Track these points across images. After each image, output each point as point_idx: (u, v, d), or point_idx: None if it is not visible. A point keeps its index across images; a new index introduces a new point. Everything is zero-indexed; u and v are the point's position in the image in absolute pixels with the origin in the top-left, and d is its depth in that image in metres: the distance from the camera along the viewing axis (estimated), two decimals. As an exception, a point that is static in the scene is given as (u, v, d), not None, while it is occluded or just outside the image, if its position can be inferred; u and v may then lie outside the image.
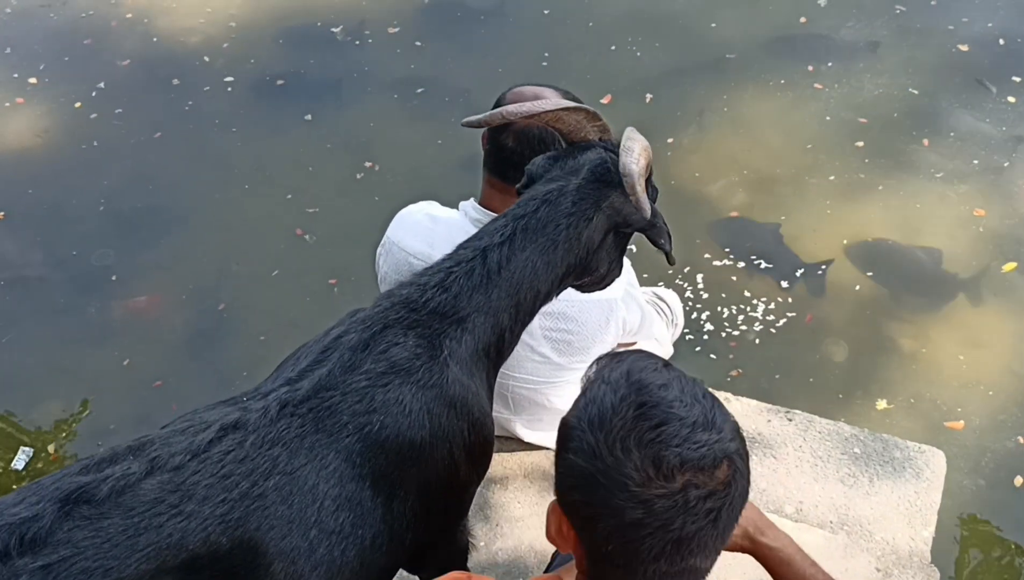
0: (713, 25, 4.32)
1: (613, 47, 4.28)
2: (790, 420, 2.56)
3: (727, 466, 1.06)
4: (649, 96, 4.05)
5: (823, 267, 3.43)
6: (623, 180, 1.40)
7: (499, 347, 1.47)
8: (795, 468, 2.43)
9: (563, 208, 1.42)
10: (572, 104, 1.55)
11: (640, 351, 1.14)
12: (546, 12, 4.51)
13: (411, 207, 2.09)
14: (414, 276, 1.49)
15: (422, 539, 1.39)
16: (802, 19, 4.25)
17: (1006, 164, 3.71)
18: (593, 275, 1.53)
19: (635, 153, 1.39)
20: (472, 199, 1.98)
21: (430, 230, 1.98)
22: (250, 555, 1.16)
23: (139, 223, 3.90)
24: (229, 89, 4.38)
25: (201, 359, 3.48)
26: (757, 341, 3.28)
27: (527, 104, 1.53)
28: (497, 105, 1.80)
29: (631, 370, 1.09)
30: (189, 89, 4.39)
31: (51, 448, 3.27)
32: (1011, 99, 3.90)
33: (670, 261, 1.59)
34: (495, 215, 1.79)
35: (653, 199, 1.57)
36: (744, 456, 1.09)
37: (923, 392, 3.12)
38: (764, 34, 4.24)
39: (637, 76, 4.12)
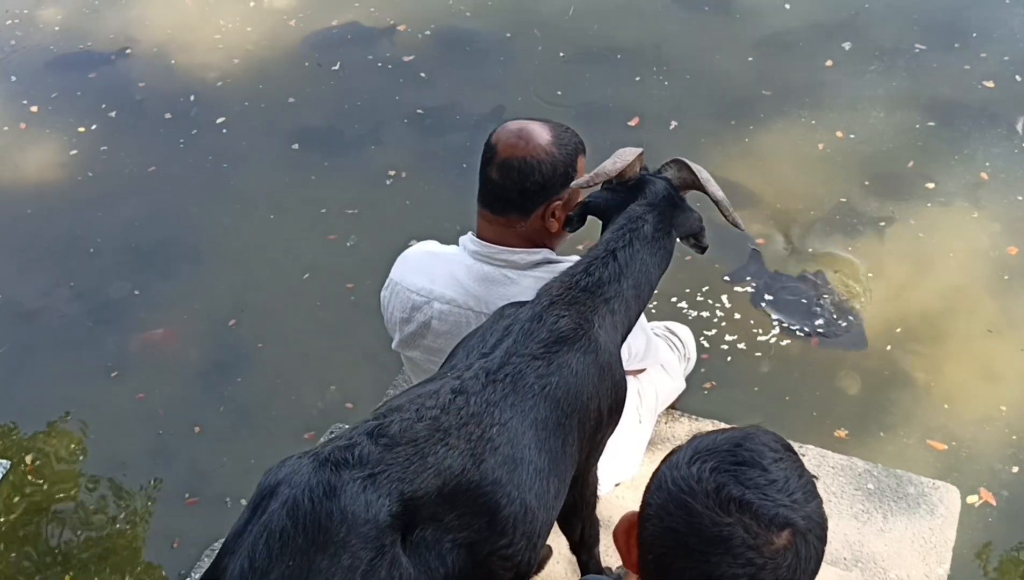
0: (750, 59, 4.38)
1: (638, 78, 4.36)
2: (803, 455, 2.55)
3: (787, 537, 1.06)
4: (674, 123, 4.12)
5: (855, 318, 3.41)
6: (719, 205, 1.80)
7: (628, 325, 1.77)
8: (808, 504, 2.43)
9: (656, 225, 1.80)
10: (640, 150, 1.84)
11: (775, 433, 1.17)
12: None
13: (411, 248, 2.15)
14: (562, 272, 1.76)
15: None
16: (828, 62, 4.29)
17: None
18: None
19: (714, 183, 1.81)
20: (470, 233, 2.04)
21: (430, 266, 2.04)
22: (491, 485, 1.48)
23: (156, 256, 3.96)
24: (244, 122, 4.44)
25: (216, 392, 3.50)
26: (766, 369, 3.29)
27: (617, 161, 1.82)
28: (489, 140, 1.94)
29: (754, 430, 1.15)
30: (204, 122, 4.46)
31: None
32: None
33: (703, 252, 1.94)
34: (493, 245, 1.95)
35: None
36: (811, 546, 1.08)
37: (938, 425, 3.10)
38: (791, 78, 4.28)
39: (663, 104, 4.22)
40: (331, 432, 2.78)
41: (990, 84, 4.11)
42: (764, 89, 4.21)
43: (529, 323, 1.64)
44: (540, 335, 1.62)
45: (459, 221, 2.03)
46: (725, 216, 1.84)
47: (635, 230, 1.77)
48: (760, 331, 3.38)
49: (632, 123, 4.15)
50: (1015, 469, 2.95)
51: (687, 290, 3.47)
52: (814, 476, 1.14)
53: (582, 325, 1.66)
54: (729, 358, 3.30)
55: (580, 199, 1.94)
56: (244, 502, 3.02)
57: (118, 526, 3.21)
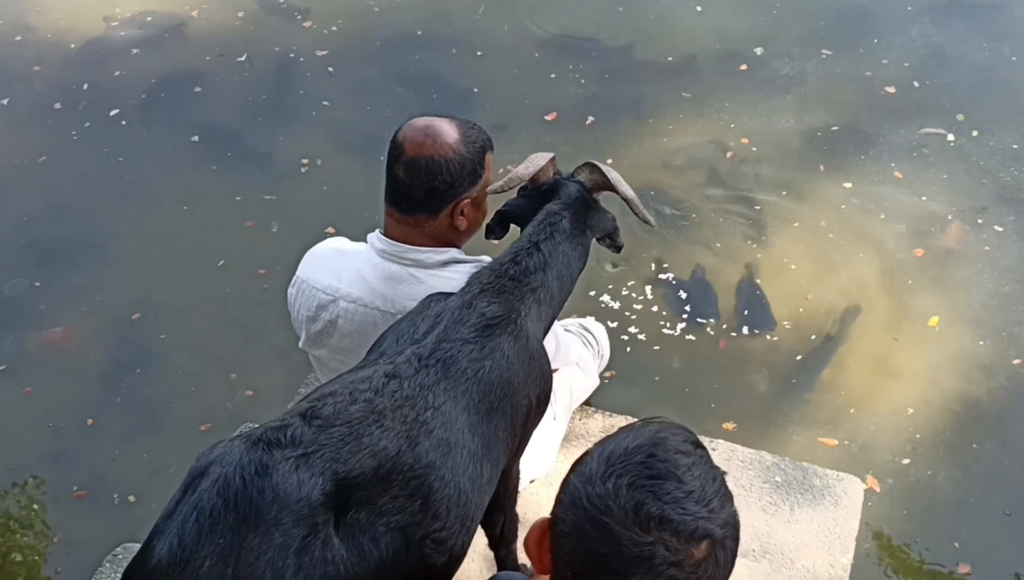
0: (670, 59, 4.44)
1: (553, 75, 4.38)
2: (713, 450, 2.60)
3: (706, 547, 1.06)
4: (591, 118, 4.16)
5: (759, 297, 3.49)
6: (629, 204, 1.88)
7: (551, 317, 1.81)
8: (718, 497, 2.47)
9: (572, 222, 1.85)
10: (552, 155, 1.89)
11: (682, 426, 1.16)
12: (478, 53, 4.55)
13: (319, 244, 2.12)
14: (492, 261, 1.80)
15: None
16: (743, 66, 4.38)
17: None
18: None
19: (624, 184, 1.88)
20: (377, 230, 2.02)
21: (337, 264, 2.02)
22: (425, 468, 1.48)
23: (55, 252, 3.82)
24: (142, 114, 4.34)
25: (119, 392, 3.39)
26: (676, 364, 3.33)
27: (530, 165, 1.88)
28: (395, 137, 1.93)
29: (661, 430, 1.13)
30: (105, 113, 4.34)
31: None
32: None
33: (620, 251, 2.02)
34: (400, 244, 1.94)
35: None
36: (728, 552, 1.09)
37: (839, 420, 3.18)
38: (702, 76, 4.36)
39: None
40: (238, 432, 2.71)
41: (891, 89, 4.25)
42: (684, 92, 4.27)
43: (459, 310, 1.67)
44: (471, 321, 1.65)
45: (380, 208, 2.00)
46: (636, 213, 1.91)
47: (554, 224, 1.82)
48: (665, 324, 3.43)
49: (549, 118, 4.17)
50: (906, 461, 3.04)
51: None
52: (723, 472, 1.14)
53: (511, 313, 1.69)
54: (629, 349, 3.33)
55: (488, 195, 1.96)
56: (133, 499, 3.01)
57: (13, 531, 3.09)
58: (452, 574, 1.62)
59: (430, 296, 1.76)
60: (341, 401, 1.46)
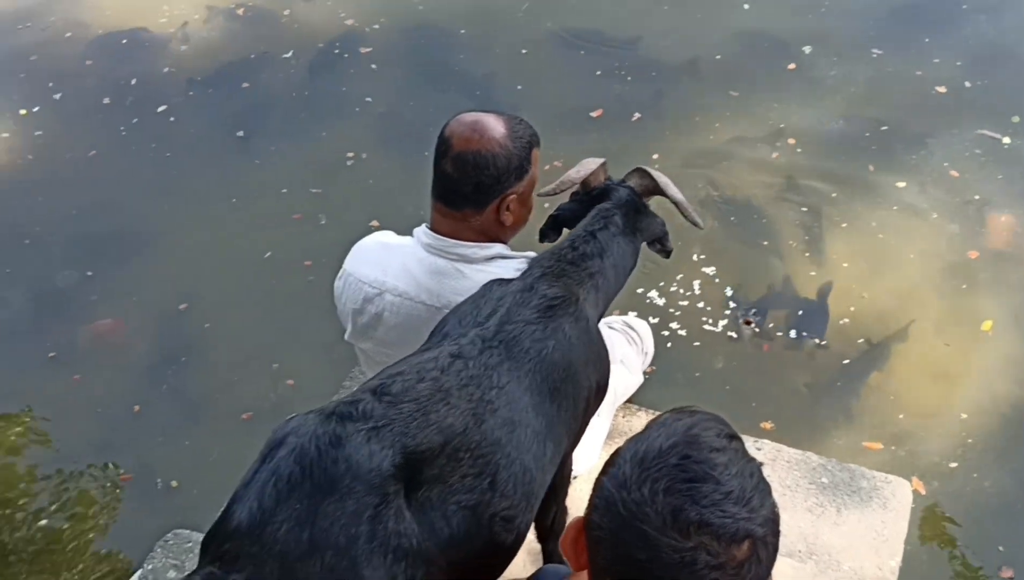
0: (718, 57, 4.41)
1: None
2: (759, 449, 2.57)
3: (748, 547, 1.04)
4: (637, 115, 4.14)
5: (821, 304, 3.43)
6: (678, 206, 1.90)
7: (605, 305, 1.82)
8: (763, 497, 2.44)
9: (624, 221, 1.88)
10: (602, 161, 1.92)
11: (716, 416, 1.14)
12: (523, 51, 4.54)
13: (366, 238, 2.12)
14: (549, 249, 1.82)
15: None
16: (791, 65, 4.33)
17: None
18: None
19: (673, 187, 1.90)
20: (424, 225, 2.02)
21: (383, 257, 2.02)
22: (492, 446, 1.51)
23: (104, 244, 3.88)
24: (190, 110, 4.39)
25: (165, 381, 3.43)
26: (718, 362, 3.30)
27: (581, 169, 1.91)
28: (442, 132, 1.93)
29: (694, 425, 1.09)
30: (153, 109, 4.40)
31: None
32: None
33: (669, 256, 2.01)
34: (447, 239, 1.94)
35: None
36: (769, 548, 1.06)
37: (886, 425, 3.13)
38: (751, 75, 4.32)
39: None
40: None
41: (942, 89, 4.17)
42: (732, 90, 4.23)
43: (521, 293, 1.69)
44: (533, 302, 1.67)
45: (424, 202, 2.00)
46: (684, 216, 1.93)
47: (608, 218, 1.85)
48: (707, 321, 3.39)
49: (595, 114, 4.15)
50: (953, 464, 2.98)
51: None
52: (760, 463, 1.11)
53: (571, 295, 1.71)
54: (669, 345, 3.30)
55: (535, 194, 1.97)
56: (175, 485, 3.03)
57: (64, 515, 3.14)
58: (515, 553, 1.64)
59: (492, 280, 1.77)
60: (409, 379, 1.49)
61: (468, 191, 1.91)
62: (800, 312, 3.41)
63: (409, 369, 1.53)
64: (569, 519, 1.93)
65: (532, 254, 1.95)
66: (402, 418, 1.43)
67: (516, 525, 1.57)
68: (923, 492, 2.88)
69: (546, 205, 2.05)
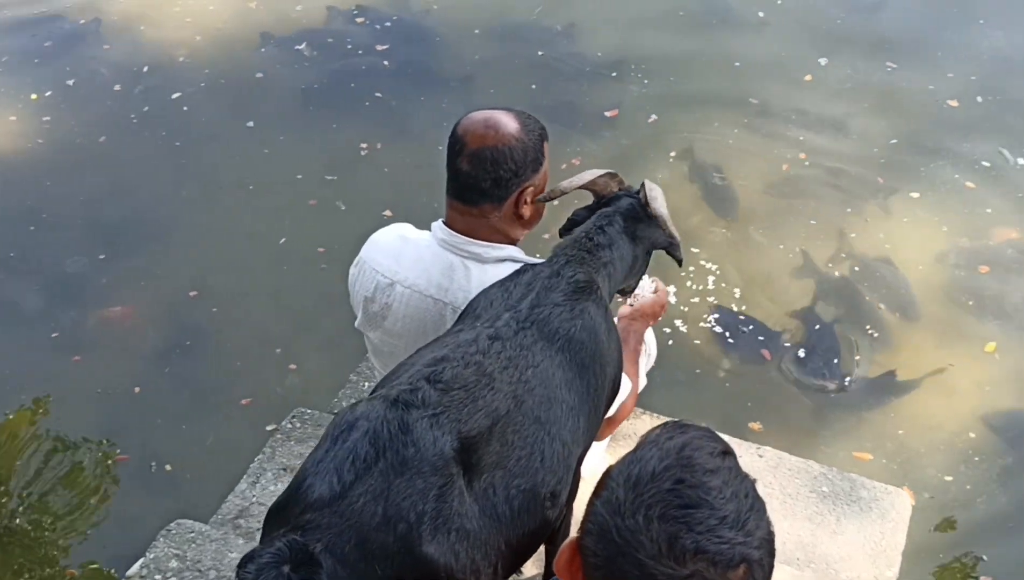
0: (737, 64, 4.44)
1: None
2: (760, 456, 2.58)
3: (744, 571, 1.02)
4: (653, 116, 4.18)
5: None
6: (658, 220, 1.92)
7: (610, 296, 1.87)
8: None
9: (623, 223, 1.93)
10: (604, 172, 1.97)
11: (709, 431, 1.13)
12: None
13: (385, 228, 2.13)
14: (570, 238, 1.88)
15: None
16: (807, 77, 4.35)
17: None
18: (630, 281, 2.00)
19: (659, 201, 1.93)
20: (440, 220, 2.03)
21: (399, 249, 2.04)
22: (534, 424, 1.60)
23: (115, 231, 3.89)
24: (215, 102, 4.40)
25: (168, 367, 3.45)
26: (722, 374, 3.31)
27: (577, 178, 1.95)
28: (454, 132, 1.94)
29: (687, 444, 1.08)
30: (165, 97, 4.42)
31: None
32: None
33: (680, 264, 2.07)
34: (459, 235, 1.98)
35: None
36: (766, 569, 1.06)
37: (881, 438, 3.13)
38: (771, 82, 4.34)
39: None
40: (292, 416, 2.75)
41: (954, 103, 4.18)
42: (751, 97, 4.26)
43: (549, 278, 1.78)
44: (560, 286, 1.76)
45: (438, 193, 2.02)
46: (663, 229, 1.97)
47: (609, 217, 1.92)
48: (707, 319, 3.42)
49: (610, 114, 4.17)
50: (949, 478, 2.99)
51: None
52: (753, 480, 1.10)
53: (592, 281, 1.81)
54: (671, 342, 3.33)
55: (548, 188, 2.00)
56: (169, 468, 3.01)
57: (63, 501, 3.16)
58: (558, 526, 1.74)
59: (522, 267, 1.84)
60: (457, 366, 1.59)
61: (487, 186, 1.92)
62: (803, 352, 3.34)
63: (452, 354, 1.61)
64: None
65: (542, 260, 1.97)
66: (455, 405, 1.53)
67: (560, 501, 1.66)
68: (913, 502, 2.88)
69: (555, 203, 2.07)
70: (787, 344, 3.37)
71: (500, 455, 1.55)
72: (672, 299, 2.44)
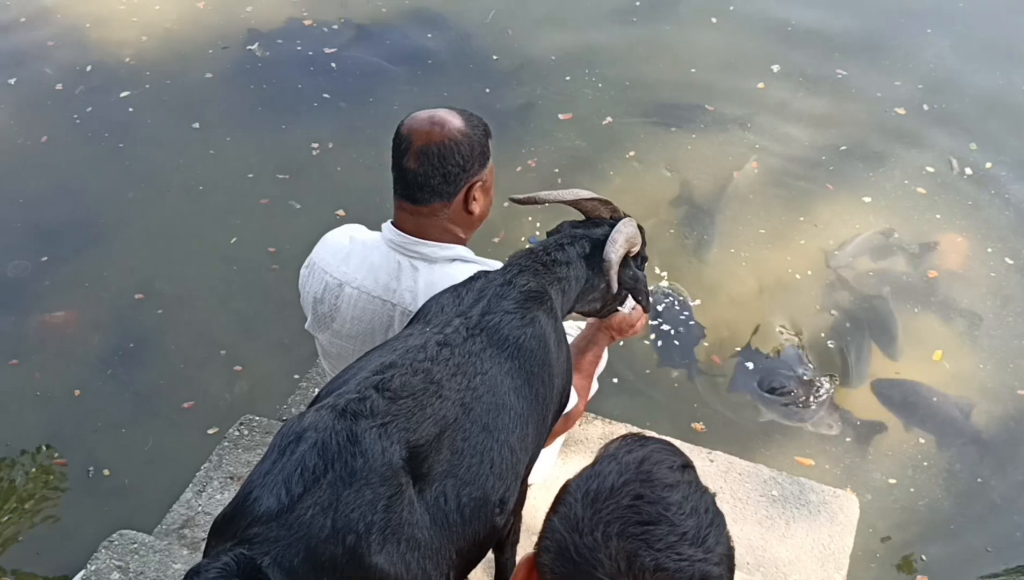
0: (693, 70, 4.46)
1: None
2: (711, 461, 2.58)
3: None
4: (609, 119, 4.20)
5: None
6: (603, 263, 1.87)
7: (562, 312, 1.87)
8: (714, 508, 2.45)
9: (585, 247, 1.92)
10: (591, 195, 1.97)
11: (668, 444, 1.11)
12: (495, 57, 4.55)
13: (336, 230, 2.12)
14: (525, 249, 1.88)
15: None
16: (760, 84, 4.39)
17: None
18: (591, 305, 2.00)
19: (617, 245, 1.87)
20: (390, 221, 2.02)
21: (348, 250, 2.04)
22: (482, 432, 1.60)
23: (57, 234, 3.80)
24: (161, 103, 4.33)
25: (110, 370, 3.37)
26: (676, 384, 3.32)
27: (557, 193, 1.96)
28: (398, 132, 1.93)
29: (646, 459, 1.06)
30: (109, 98, 4.34)
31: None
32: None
33: (646, 310, 2.12)
34: (407, 236, 1.96)
35: (641, 266, 2.02)
36: None
37: (830, 440, 3.15)
38: (728, 95, 4.37)
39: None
40: (240, 423, 2.70)
41: (902, 111, 4.24)
42: (706, 104, 4.29)
43: (501, 287, 1.78)
44: (512, 295, 1.76)
45: (390, 193, 2.00)
46: (605, 274, 1.90)
47: (574, 238, 1.93)
48: (659, 322, 3.43)
49: (564, 117, 4.17)
50: (892, 480, 3.03)
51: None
52: (713, 493, 1.08)
53: (545, 291, 1.81)
54: (622, 342, 3.31)
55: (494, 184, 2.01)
56: (107, 473, 2.93)
57: (10, 509, 3.08)
58: (506, 534, 1.74)
59: (477, 272, 1.83)
60: (405, 373, 1.58)
61: (436, 183, 1.91)
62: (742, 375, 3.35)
63: (400, 360, 1.61)
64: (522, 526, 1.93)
65: (492, 261, 1.96)
66: (403, 414, 1.53)
67: (508, 507, 1.66)
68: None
69: (504, 204, 2.05)
70: (736, 349, 3.39)
71: (451, 463, 1.55)
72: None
